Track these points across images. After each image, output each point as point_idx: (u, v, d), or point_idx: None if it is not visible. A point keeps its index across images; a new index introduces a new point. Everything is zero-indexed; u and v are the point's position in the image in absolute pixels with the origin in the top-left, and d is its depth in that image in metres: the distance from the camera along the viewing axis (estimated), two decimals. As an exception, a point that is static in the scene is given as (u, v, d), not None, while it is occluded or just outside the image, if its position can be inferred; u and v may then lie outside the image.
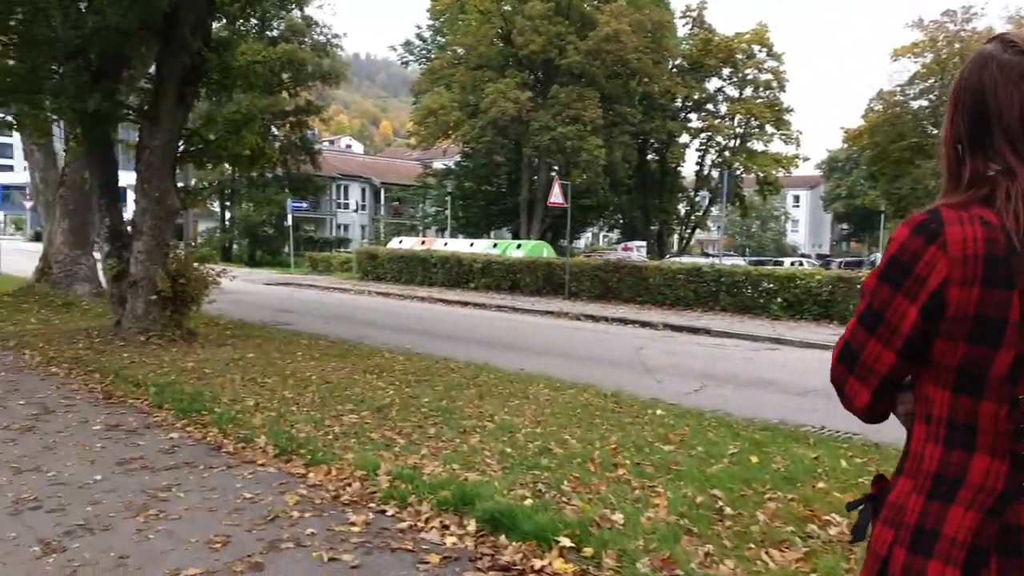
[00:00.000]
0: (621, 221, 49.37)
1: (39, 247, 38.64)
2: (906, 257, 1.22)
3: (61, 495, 4.32)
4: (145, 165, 9.19)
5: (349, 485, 4.56)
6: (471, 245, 28.54)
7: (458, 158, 43.41)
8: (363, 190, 59.25)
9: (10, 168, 75.95)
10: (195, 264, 9.79)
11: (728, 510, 4.07)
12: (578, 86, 31.55)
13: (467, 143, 37.13)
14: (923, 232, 1.21)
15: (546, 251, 27.00)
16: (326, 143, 64.64)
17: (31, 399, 6.72)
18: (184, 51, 8.53)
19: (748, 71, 39.18)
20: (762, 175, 39.14)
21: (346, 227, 58.58)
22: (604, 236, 69.61)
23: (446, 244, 28.94)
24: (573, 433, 5.77)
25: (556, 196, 19.65)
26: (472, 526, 3.90)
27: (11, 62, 8.55)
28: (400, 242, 32.09)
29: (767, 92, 39.30)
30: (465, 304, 19.18)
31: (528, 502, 4.11)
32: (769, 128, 39.51)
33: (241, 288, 19.34)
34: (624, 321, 15.70)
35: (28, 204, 57.53)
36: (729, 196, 22.51)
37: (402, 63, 44.85)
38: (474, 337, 13.05)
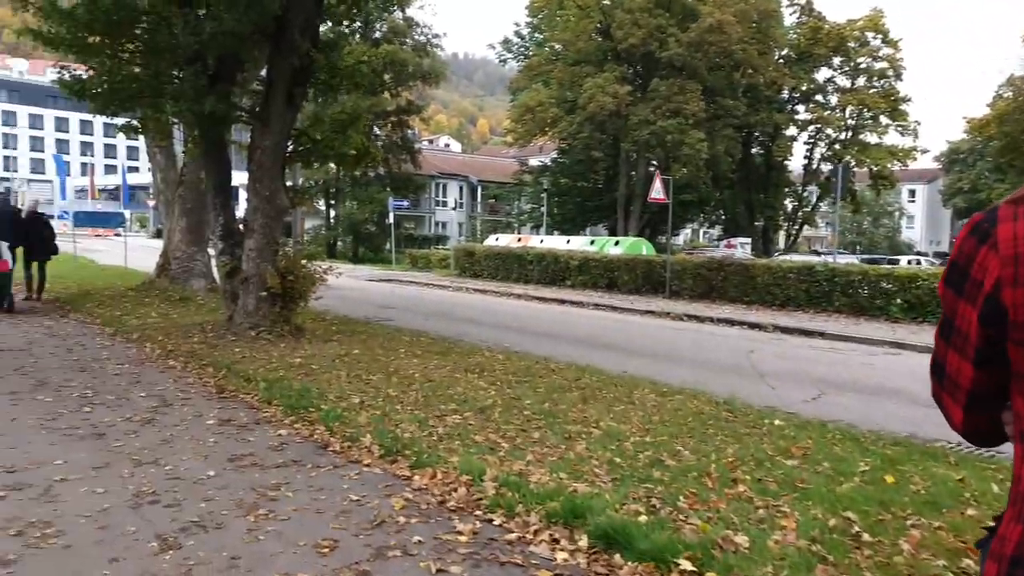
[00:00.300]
0: (723, 217, 47.97)
1: (160, 244, 41.10)
2: (962, 259, 1.16)
3: (177, 490, 4.40)
4: (256, 165, 9.45)
5: (455, 490, 4.44)
6: (567, 242, 28.31)
7: (554, 155, 43.25)
8: (460, 188, 59.96)
9: (136, 169, 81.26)
10: (303, 262, 10.00)
11: (866, 536, 3.70)
12: (679, 79, 30.74)
13: (564, 139, 36.89)
14: (976, 232, 1.15)
15: (645, 248, 26.46)
16: (425, 142, 65.83)
17: (151, 391, 6.98)
18: (293, 52, 8.72)
19: (861, 59, 37.18)
20: (875, 168, 37.08)
21: (444, 224, 59.47)
22: (704, 233, 67.88)
23: (542, 241, 28.83)
24: (685, 443, 5.48)
25: (657, 192, 19.16)
26: (584, 542, 3.70)
27: (137, 69, 8.96)
28: (496, 239, 32.21)
29: (882, 81, 37.19)
30: (562, 302, 18.98)
31: (643, 518, 3.87)
32: (884, 119, 37.38)
33: (345, 284, 19.81)
34: (730, 322, 15.10)
35: (151, 203, 61.38)
36: (844, 191, 21.33)
37: (500, 61, 45.08)
38: (572, 336, 12.83)
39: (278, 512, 4.10)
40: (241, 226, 10.28)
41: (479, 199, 61.79)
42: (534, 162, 47.61)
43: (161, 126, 10.68)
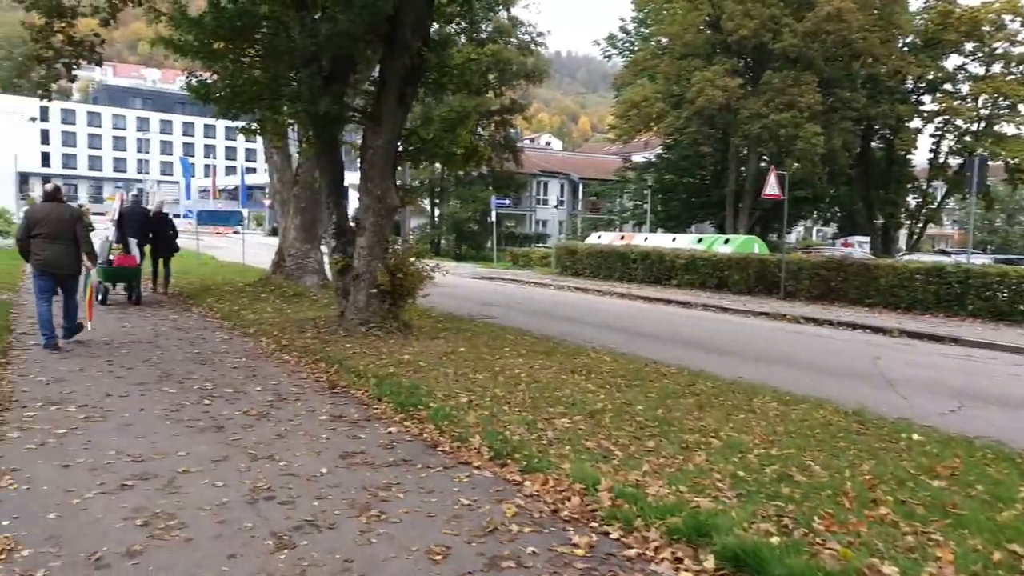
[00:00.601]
0: (838, 214, 45.63)
1: (275, 241, 42.96)
2: None
3: (291, 487, 4.42)
4: (368, 164, 9.58)
5: (568, 499, 4.26)
6: (673, 240, 27.60)
7: (659, 151, 42.31)
8: (562, 186, 59.75)
9: (253, 170, 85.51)
10: (411, 260, 10.08)
11: (1038, 575, 3.27)
12: (794, 70, 29.36)
13: (670, 135, 36.01)
14: None
15: (757, 246, 25.45)
16: (526, 141, 66.01)
17: (267, 386, 7.15)
18: (405, 52, 8.77)
19: (997, 44, 34.40)
20: (1012, 162, 34.23)
21: (544, 222, 59.43)
22: (817, 231, 64.92)
23: (646, 239, 28.23)
24: (815, 457, 5.08)
25: (772, 187, 18.31)
26: (710, 563, 3.44)
27: (257, 73, 9.27)
28: (599, 237, 31.82)
29: (1020, 67, 34.29)
30: (668, 302, 18.46)
31: (775, 540, 3.56)
32: (1022, 108, 34.44)
33: (449, 282, 20.01)
34: (851, 325, 14.23)
35: (267, 202, 64.32)
36: (980, 186, 19.76)
37: (605, 57, 44.51)
38: (680, 338, 12.40)
39: (389, 514, 4.04)
40: (353, 224, 10.46)
41: (580, 197, 61.39)
42: (637, 158, 46.79)
43: (277, 127, 11.03)
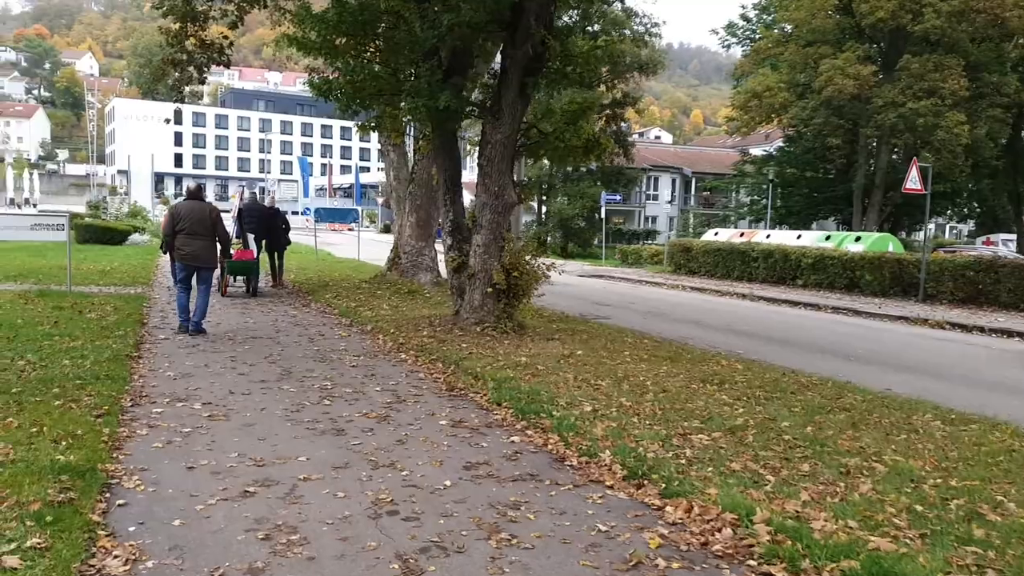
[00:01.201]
0: (977, 210, 42.20)
1: (387, 238, 43.81)
2: None
3: (415, 500, 4.15)
4: (486, 159, 9.33)
5: (718, 530, 3.78)
6: (798, 237, 26.15)
7: (779, 143, 40.32)
8: (673, 180, 58.26)
9: (367, 169, 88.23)
10: (527, 258, 9.76)
11: None
12: (935, 54, 27.15)
13: (793, 126, 34.23)
14: None
15: (892, 245, 23.71)
16: (636, 134, 64.78)
17: (385, 386, 7.00)
18: (528, 40, 8.45)
19: None
20: None
21: (654, 219, 58.16)
22: (951, 228, 60.48)
23: (768, 236, 26.88)
24: (1005, 490, 4.38)
25: (914, 181, 16.89)
26: (904, 624, 2.89)
27: (377, 68, 9.20)
28: (715, 234, 30.63)
29: None
30: (794, 304, 17.38)
31: (983, 600, 2.97)
32: None
33: (558, 280, 19.60)
34: (1007, 333, 12.86)
35: (380, 200, 65.98)
36: None
37: (723, 46, 42.82)
38: (814, 344, 11.52)
39: (520, 538, 3.69)
40: (469, 222, 10.26)
41: (693, 192, 59.62)
42: (756, 151, 44.88)
43: (395, 124, 10.98)
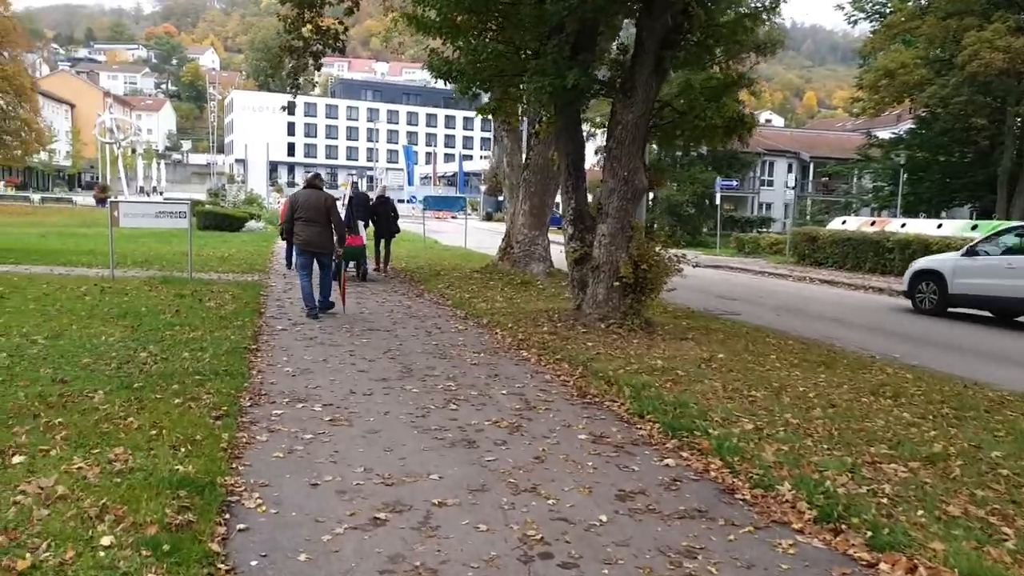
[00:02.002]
0: None
1: (490, 226, 43.54)
2: None
3: (568, 539, 3.53)
4: (616, 142, 8.60)
5: (961, 606, 2.97)
6: (939, 227, 23.97)
7: (909, 125, 37.33)
8: (789, 165, 55.43)
9: (470, 157, 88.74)
10: (657, 249, 8.98)
11: None
12: (1102, 22, 24.23)
13: (927, 106, 31.55)
14: None
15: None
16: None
17: (511, 388, 6.43)
18: (666, 10, 7.66)
19: None
20: None
21: (768, 205, 55.67)
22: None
23: (904, 225, 24.76)
24: None
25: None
26: None
27: (500, 46, 8.63)
28: (843, 222, 28.57)
29: None
30: (941, 300, 15.71)
31: None
32: None
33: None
34: None
35: (483, 188, 66.04)
36: None
37: (849, 22, 40.01)
38: (982, 350, 10.20)
39: (706, 601, 3.00)
40: (593, 210, 9.58)
41: (811, 177, 56.55)
42: (883, 134, 41.85)
43: (512, 107, 10.42)
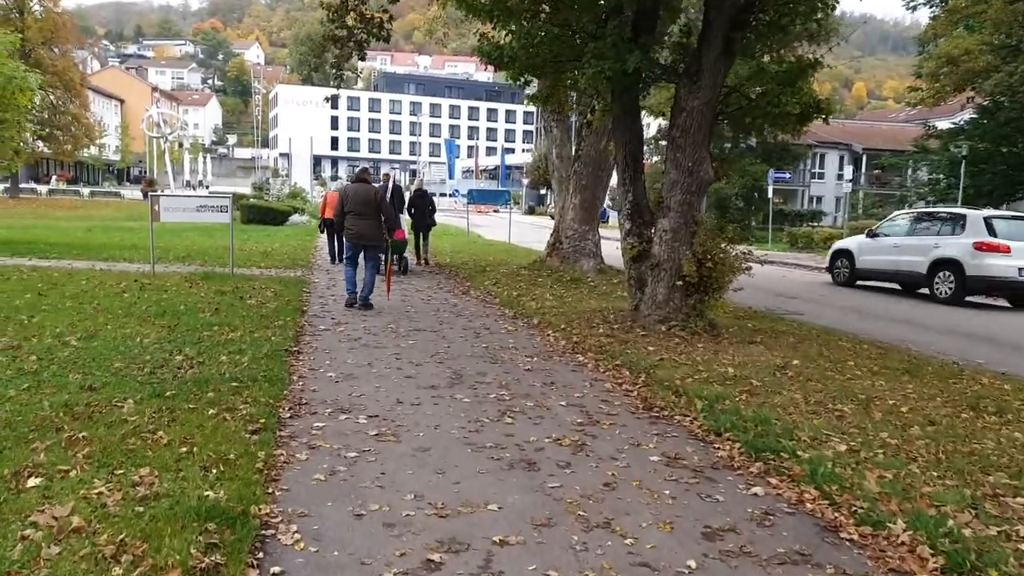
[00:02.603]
0: None
1: (531, 220, 42.83)
2: None
3: (655, 593, 3.00)
4: (679, 130, 7.99)
5: None
6: (1008, 222, 22.70)
7: (969, 115, 35.62)
8: (841, 158, 53.84)
9: (511, 151, 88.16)
10: (724, 246, 8.35)
11: None
12: None
13: (994, 94, 30.04)
14: None
15: None
16: (799, 109, 60.15)
17: (569, 398, 5.91)
18: (739, -14, 7.05)
19: None
20: None
21: (819, 199, 54.17)
22: None
23: (968, 220, 23.53)
24: None
25: None
26: None
27: (555, 29, 8.08)
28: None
29: None
30: (1017, 300, 14.75)
31: None
32: None
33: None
34: None
35: (525, 181, 65.50)
36: None
37: (908, 8, 38.41)
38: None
39: None
40: (652, 204, 9.00)
41: (863, 170, 54.75)
42: (942, 124, 40.12)
43: (564, 95, 9.89)
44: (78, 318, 7.51)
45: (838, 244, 17.98)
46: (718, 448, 4.88)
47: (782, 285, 16.38)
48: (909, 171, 46.93)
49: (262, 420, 4.75)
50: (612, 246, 17.02)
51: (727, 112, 8.48)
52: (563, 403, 5.77)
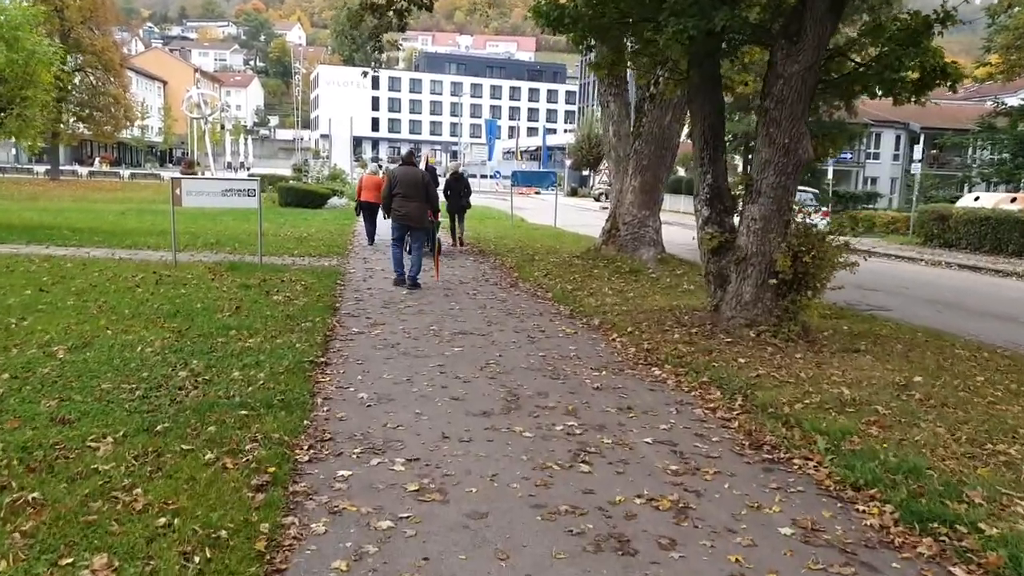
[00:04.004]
0: None
1: (574, 202, 41.35)
2: None
3: None
4: (775, 101, 6.72)
5: None
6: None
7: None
8: (897, 137, 51.35)
9: (553, 131, 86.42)
10: (827, 237, 7.08)
11: None
12: None
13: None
14: None
15: None
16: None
17: (655, 431, 4.77)
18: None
19: None
20: None
21: (874, 180, 51.77)
22: None
23: (1054, 203, 21.74)
24: None
25: None
26: None
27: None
28: (976, 199, 25.48)
29: None
30: None
31: None
32: None
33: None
34: None
35: (567, 162, 63.99)
36: None
37: (979, -26, 35.89)
38: None
39: None
40: (736, 188, 7.75)
41: (921, 149, 52.06)
42: (1012, 101, 37.61)
43: (636, 61, 8.67)
44: (76, 321, 6.55)
45: None
46: (863, 512, 3.70)
47: (860, 275, 14.93)
48: (970, 151, 44.41)
49: (271, 468, 3.71)
50: (670, 232, 15.74)
51: (831, 80, 7.17)
52: (648, 439, 4.62)
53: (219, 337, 6.34)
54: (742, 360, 6.36)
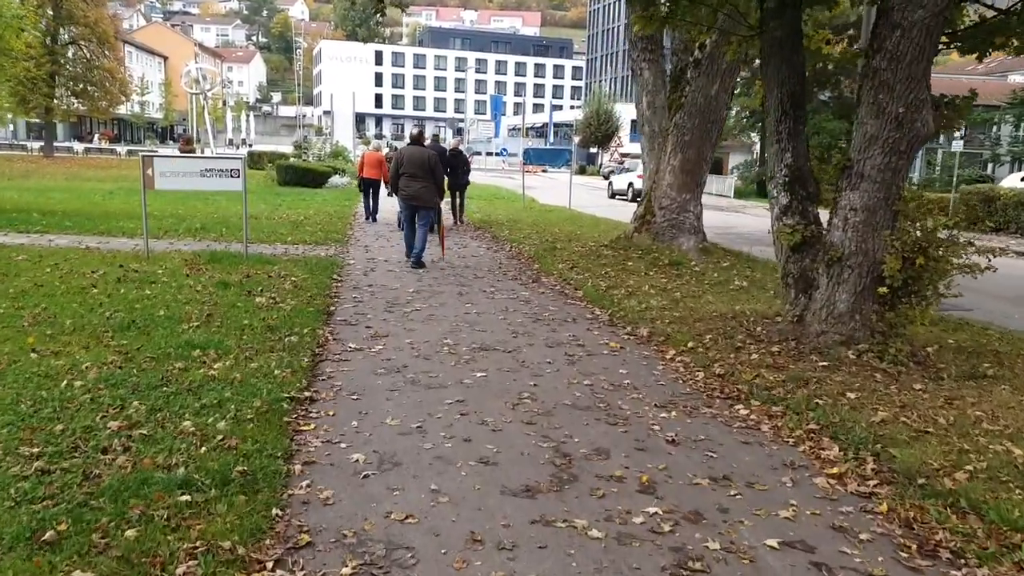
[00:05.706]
0: None
1: (584, 180, 39.61)
2: None
3: None
4: (888, 59, 5.24)
5: None
6: None
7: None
8: (923, 114, 49.26)
9: (559, 107, 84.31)
10: (945, 234, 5.63)
11: None
12: None
13: None
14: None
15: None
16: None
17: (772, 519, 3.36)
18: None
19: None
20: None
21: (893, 159, 49.79)
22: None
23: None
24: None
25: None
26: None
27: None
28: (1023, 179, 23.91)
29: None
30: None
31: None
32: None
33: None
34: None
35: (575, 139, 62.34)
36: None
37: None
38: None
39: None
40: (820, 170, 6.28)
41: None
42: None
43: (661, 23, 7.20)
44: (-6, 340, 5.15)
45: None
46: None
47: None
48: (996, 127, 42.62)
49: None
50: (710, 216, 14.27)
51: (961, 31, 5.67)
52: (770, 540, 3.19)
53: (177, 361, 4.93)
54: (851, 395, 4.92)
